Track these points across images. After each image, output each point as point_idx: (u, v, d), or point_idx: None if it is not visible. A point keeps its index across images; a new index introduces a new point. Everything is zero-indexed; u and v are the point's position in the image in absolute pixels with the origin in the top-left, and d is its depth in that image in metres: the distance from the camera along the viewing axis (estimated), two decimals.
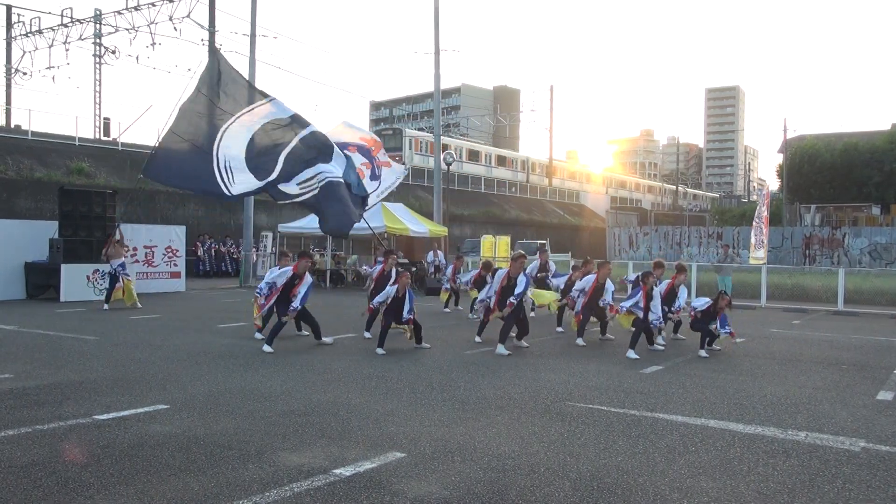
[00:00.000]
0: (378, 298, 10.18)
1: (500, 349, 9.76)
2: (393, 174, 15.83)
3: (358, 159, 14.78)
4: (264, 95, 14.01)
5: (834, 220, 40.66)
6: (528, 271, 11.52)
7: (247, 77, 24.12)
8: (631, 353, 9.70)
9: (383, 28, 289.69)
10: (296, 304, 9.95)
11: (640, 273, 11.22)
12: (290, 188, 13.36)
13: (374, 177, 15.10)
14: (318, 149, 13.40)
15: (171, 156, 13.66)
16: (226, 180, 13.29)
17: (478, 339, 10.91)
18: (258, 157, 13.35)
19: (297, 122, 13.61)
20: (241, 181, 13.43)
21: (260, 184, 12.96)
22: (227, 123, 13.54)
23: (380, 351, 9.70)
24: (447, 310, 15.99)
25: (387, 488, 4.32)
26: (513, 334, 10.78)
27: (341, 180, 13.01)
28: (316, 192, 13.05)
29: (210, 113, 13.76)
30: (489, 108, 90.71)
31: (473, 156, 57.99)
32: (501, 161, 61.90)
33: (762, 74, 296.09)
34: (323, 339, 10.41)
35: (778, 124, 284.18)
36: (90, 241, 17.26)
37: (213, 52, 14.58)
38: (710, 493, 4.38)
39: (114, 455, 4.88)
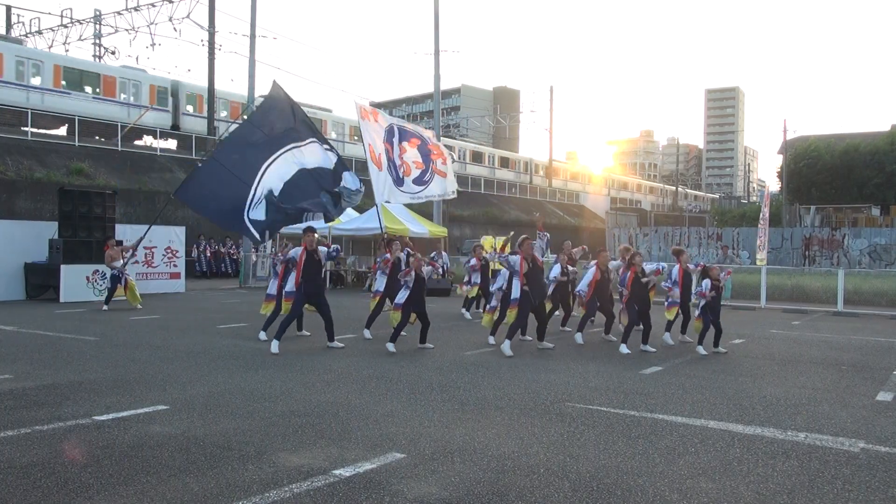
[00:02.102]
0: (399, 299, 9.97)
1: (506, 347, 9.75)
2: (441, 187, 15.35)
3: (411, 156, 14.49)
4: (313, 133, 13.52)
5: (833, 221, 40.64)
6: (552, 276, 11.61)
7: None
8: (623, 348, 9.83)
9: (383, 28, 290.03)
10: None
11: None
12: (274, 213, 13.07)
13: (420, 181, 14.72)
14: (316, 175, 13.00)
15: (208, 182, 13.40)
16: (252, 218, 13.10)
17: (491, 339, 10.79)
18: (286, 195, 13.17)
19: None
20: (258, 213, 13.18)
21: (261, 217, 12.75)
22: (273, 157, 13.27)
23: (391, 347, 9.70)
24: (468, 315, 14.86)
25: (386, 489, 4.32)
26: (529, 338, 10.85)
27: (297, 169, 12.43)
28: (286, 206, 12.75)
29: (257, 144, 13.52)
30: (489, 108, 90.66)
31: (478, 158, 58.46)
32: (505, 163, 62.60)
33: (762, 75, 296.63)
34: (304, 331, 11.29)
35: (778, 125, 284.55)
36: (90, 241, 17.26)
37: (276, 87, 14.41)
38: (710, 493, 4.38)
39: (113, 456, 4.88)
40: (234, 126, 13.54)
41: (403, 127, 15.43)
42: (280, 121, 13.54)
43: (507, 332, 9.92)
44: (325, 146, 13.30)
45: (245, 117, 13.32)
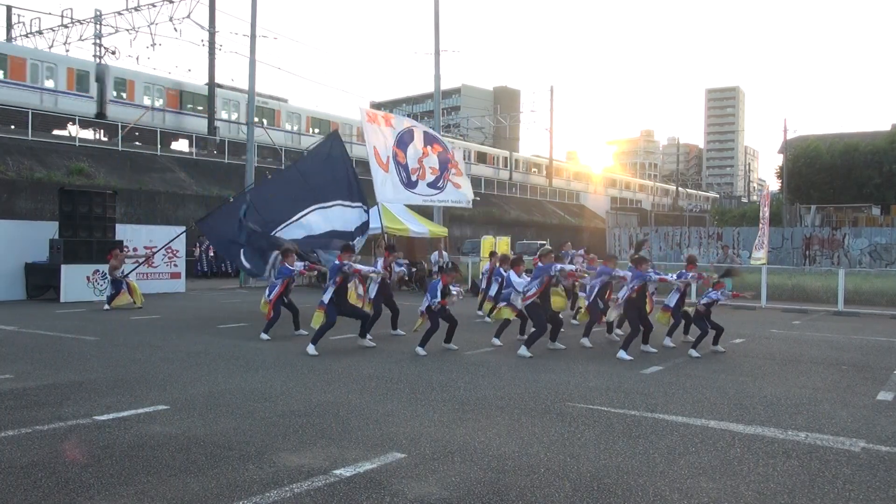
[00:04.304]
0: (430, 300, 9.77)
1: (523, 351, 9.71)
2: (456, 195, 16.39)
3: (430, 161, 15.44)
4: (362, 200, 14.12)
5: (834, 220, 40.64)
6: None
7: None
8: (622, 354, 9.62)
9: (383, 28, 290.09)
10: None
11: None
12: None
13: (434, 185, 15.72)
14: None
15: (229, 219, 13.68)
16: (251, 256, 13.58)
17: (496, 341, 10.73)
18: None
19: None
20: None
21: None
22: (302, 214, 13.66)
23: (420, 351, 9.65)
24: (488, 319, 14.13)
25: (387, 489, 4.32)
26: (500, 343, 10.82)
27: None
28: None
29: (292, 193, 13.89)
30: (489, 108, 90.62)
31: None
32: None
33: (762, 75, 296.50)
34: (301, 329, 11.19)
35: (778, 125, 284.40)
36: (90, 241, 17.24)
37: (335, 136, 15.20)
38: (710, 493, 4.38)
39: (114, 455, 4.88)
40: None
41: (427, 131, 16.11)
42: (318, 173, 14.13)
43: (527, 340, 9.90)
44: (355, 204, 13.93)
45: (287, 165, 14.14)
